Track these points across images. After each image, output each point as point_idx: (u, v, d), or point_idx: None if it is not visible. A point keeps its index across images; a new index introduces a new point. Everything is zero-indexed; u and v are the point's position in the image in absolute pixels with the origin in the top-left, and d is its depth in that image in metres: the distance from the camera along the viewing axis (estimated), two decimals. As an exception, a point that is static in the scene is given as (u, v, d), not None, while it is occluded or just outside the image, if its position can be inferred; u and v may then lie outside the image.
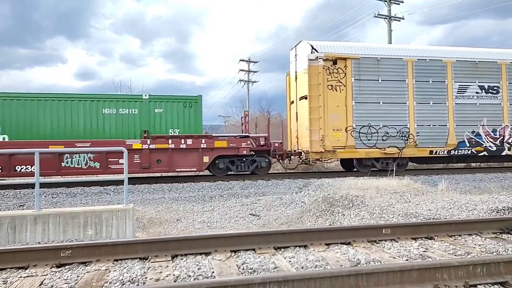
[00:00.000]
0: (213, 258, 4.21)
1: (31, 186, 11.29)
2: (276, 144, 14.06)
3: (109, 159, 12.10)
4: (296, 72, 14.71)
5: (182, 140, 12.64)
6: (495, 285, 3.38)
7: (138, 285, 3.50)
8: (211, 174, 13.71)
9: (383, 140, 13.55)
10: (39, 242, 5.36)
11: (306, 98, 13.40)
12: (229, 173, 13.33)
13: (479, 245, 4.69)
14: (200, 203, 9.88)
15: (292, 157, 14.61)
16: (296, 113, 14.65)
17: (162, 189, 11.66)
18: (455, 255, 4.29)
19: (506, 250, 4.48)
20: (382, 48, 14.30)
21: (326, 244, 4.70)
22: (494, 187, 11.38)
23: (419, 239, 4.97)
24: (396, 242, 4.84)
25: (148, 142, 12.40)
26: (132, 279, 3.59)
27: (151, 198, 10.40)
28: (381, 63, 13.50)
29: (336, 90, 13.29)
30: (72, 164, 11.99)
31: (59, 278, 3.70)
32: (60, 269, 3.98)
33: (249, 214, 8.64)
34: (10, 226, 5.41)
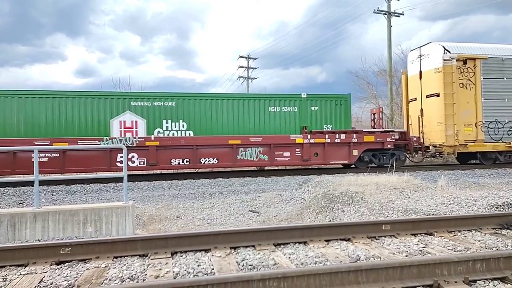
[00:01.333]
0: (212, 255, 4.20)
1: (31, 183, 11.32)
2: (415, 138, 15.01)
3: (275, 153, 13.53)
4: (420, 71, 15.79)
5: (337, 135, 13.90)
6: (495, 281, 3.38)
7: (137, 282, 3.50)
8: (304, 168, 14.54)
9: (508, 134, 15.14)
10: (38, 240, 5.36)
11: (436, 95, 14.85)
12: (371, 165, 14.23)
13: (479, 241, 4.69)
14: (200, 200, 9.88)
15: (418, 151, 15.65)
16: (422, 109, 15.69)
17: (161, 186, 11.66)
18: (455, 251, 4.29)
19: (506, 246, 4.49)
20: (506, 49, 15.57)
21: (326, 241, 4.70)
22: (494, 182, 11.39)
23: (419, 235, 4.97)
24: (396, 238, 4.85)
25: (309, 137, 13.72)
26: (131, 276, 3.59)
27: (151, 195, 10.40)
28: (505, 63, 15.06)
29: (466, 88, 14.86)
30: (245, 157, 13.39)
31: (58, 275, 3.70)
32: (59, 266, 3.98)
33: (249, 211, 8.64)
34: (9, 223, 5.41)
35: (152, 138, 12.93)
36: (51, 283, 3.49)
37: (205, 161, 13.16)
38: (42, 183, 10.99)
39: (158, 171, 14.69)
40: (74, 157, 12.21)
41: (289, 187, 11.27)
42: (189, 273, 3.67)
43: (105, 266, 3.91)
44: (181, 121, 13.80)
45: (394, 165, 12.50)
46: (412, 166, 15.55)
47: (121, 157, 12.29)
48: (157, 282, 3.22)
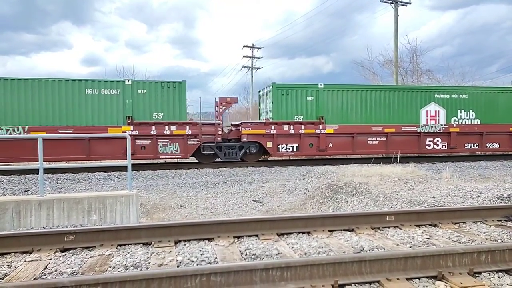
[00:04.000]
0: (216, 244, 4.21)
1: (35, 171, 11.39)
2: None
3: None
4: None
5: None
6: (500, 273, 3.35)
7: (141, 270, 3.51)
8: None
9: None
10: (43, 227, 5.40)
11: None
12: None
13: (484, 233, 4.66)
14: (203, 190, 9.91)
15: None
16: None
17: (165, 176, 11.70)
18: (460, 243, 4.26)
19: (511, 238, 4.45)
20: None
21: (330, 231, 4.68)
22: (499, 174, 11.32)
23: (423, 226, 4.94)
24: (400, 229, 4.82)
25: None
26: (135, 264, 3.60)
27: (154, 184, 10.44)
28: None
29: None
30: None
31: (63, 262, 3.72)
32: (64, 253, 4.00)
33: (252, 200, 8.66)
34: (15, 211, 5.44)
35: (454, 125, 15.64)
36: (56, 270, 3.51)
37: (490, 145, 15.82)
38: (46, 171, 11.06)
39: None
40: (394, 140, 15.10)
41: (292, 178, 11.27)
42: (193, 261, 3.67)
43: (109, 254, 3.93)
44: (471, 111, 15.87)
45: (399, 158, 12.42)
46: (416, 158, 15.48)
47: (430, 141, 15.54)
48: (160, 270, 3.23)
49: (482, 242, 4.27)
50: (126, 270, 3.50)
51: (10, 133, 12.02)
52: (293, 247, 4.10)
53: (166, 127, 13.15)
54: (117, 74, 31.80)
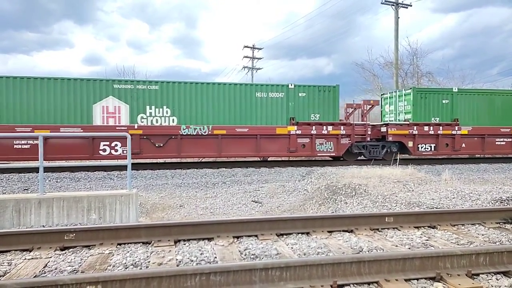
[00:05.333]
0: (215, 244, 4.22)
1: (35, 170, 11.41)
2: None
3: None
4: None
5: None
6: (498, 274, 3.37)
7: (141, 268, 3.52)
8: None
9: None
10: (43, 225, 5.41)
11: None
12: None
13: (482, 235, 4.68)
14: (203, 190, 9.92)
15: None
16: None
17: (165, 175, 11.71)
18: (458, 244, 4.28)
19: (510, 240, 4.47)
20: None
21: (329, 232, 4.70)
22: (499, 177, 11.34)
23: (422, 228, 4.96)
24: (399, 230, 4.84)
25: None
26: (135, 263, 3.62)
27: (154, 184, 10.45)
28: None
29: None
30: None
31: (63, 260, 3.73)
32: (64, 252, 4.02)
33: (252, 201, 8.67)
34: (14, 209, 5.45)
35: None
36: (56, 268, 3.52)
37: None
38: (46, 169, 11.07)
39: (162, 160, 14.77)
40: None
41: (292, 178, 11.29)
42: (192, 261, 3.69)
43: (109, 253, 3.94)
44: None
45: (398, 159, 12.45)
46: (416, 160, 15.51)
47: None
48: (160, 269, 3.24)
49: (480, 244, 4.29)
50: (126, 268, 3.52)
51: (198, 132, 13.19)
52: (292, 248, 4.12)
53: (324, 127, 14.23)
54: (118, 73, 31.80)
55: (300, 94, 14.22)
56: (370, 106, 15.43)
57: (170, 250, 4.01)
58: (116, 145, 12.62)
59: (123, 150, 12.59)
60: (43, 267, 3.56)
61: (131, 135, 11.67)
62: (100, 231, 4.31)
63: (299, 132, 13.95)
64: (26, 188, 9.62)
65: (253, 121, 13.84)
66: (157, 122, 13.20)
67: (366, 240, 4.38)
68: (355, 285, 3.12)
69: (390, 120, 16.23)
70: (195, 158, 14.61)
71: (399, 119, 16.03)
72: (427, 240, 4.42)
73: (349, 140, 14.40)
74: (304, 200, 8.57)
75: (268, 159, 15.18)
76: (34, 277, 3.33)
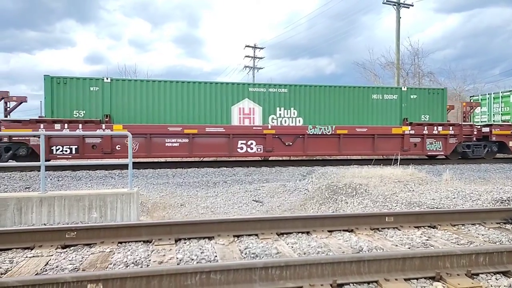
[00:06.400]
0: (216, 243, 4.24)
1: (37, 168, 11.45)
2: None
3: None
4: None
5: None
6: (497, 274, 3.38)
7: (142, 267, 3.54)
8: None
9: None
10: (44, 224, 5.43)
11: None
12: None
13: (482, 235, 4.68)
14: (204, 189, 9.94)
15: None
16: None
17: (166, 174, 11.73)
18: (458, 244, 4.29)
19: (510, 240, 4.48)
20: None
21: (329, 231, 4.71)
22: (499, 177, 11.33)
23: (422, 227, 4.97)
24: (399, 230, 4.85)
25: None
26: (136, 261, 3.63)
27: (155, 183, 10.47)
28: None
29: None
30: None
31: (64, 259, 3.75)
32: (65, 250, 4.04)
33: (253, 200, 8.68)
34: (16, 207, 5.48)
35: None
36: (57, 266, 3.54)
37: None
38: (47, 168, 11.10)
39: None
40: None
41: (293, 178, 11.30)
42: (193, 259, 3.70)
43: (110, 251, 3.96)
44: None
45: (399, 159, 12.46)
46: (416, 160, 15.50)
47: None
48: (161, 267, 3.26)
49: (480, 244, 4.30)
50: (127, 267, 3.53)
51: (322, 132, 14.10)
52: (292, 247, 4.13)
53: (435, 127, 15.05)
54: (119, 72, 31.86)
55: (411, 96, 15.20)
56: (472, 107, 16.63)
57: (170, 249, 4.02)
58: (251, 143, 13.73)
59: (257, 148, 13.82)
60: (44, 265, 3.58)
61: (265, 134, 13.56)
62: (101, 230, 4.33)
63: (412, 132, 14.77)
64: (28, 186, 9.65)
65: (369, 121, 14.86)
66: (285, 122, 14.43)
67: (366, 240, 4.39)
68: (354, 284, 3.13)
69: (482, 121, 17.38)
70: (318, 156, 15.74)
71: (494, 120, 17.13)
72: (427, 240, 4.43)
73: (456, 140, 15.22)
74: (305, 199, 8.58)
75: (269, 159, 15.22)
76: (36, 275, 3.35)
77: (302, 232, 4.67)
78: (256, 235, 4.53)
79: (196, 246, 4.12)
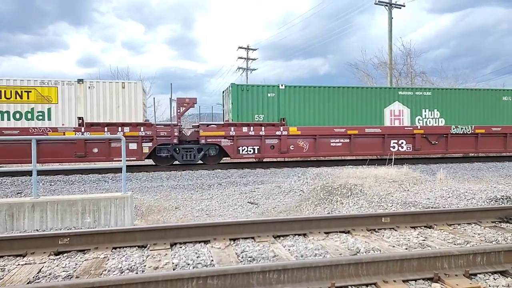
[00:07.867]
0: (212, 246, 4.19)
1: (29, 173, 11.30)
2: None
3: None
4: None
5: None
6: (495, 274, 3.37)
7: (137, 273, 3.48)
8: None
9: None
10: (37, 230, 5.34)
11: None
12: None
13: (479, 234, 4.69)
14: (198, 191, 9.87)
15: None
16: None
17: (160, 177, 11.64)
18: (455, 244, 4.29)
19: (506, 239, 4.49)
20: None
21: (325, 233, 4.68)
22: (492, 176, 11.42)
23: (419, 228, 4.96)
24: (396, 230, 4.84)
25: None
26: (131, 267, 3.57)
27: (149, 186, 10.38)
28: None
29: None
30: None
31: (57, 266, 3.68)
32: (58, 257, 3.96)
33: (248, 202, 8.64)
34: (7, 213, 5.38)
35: None
36: (50, 274, 3.46)
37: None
38: (40, 173, 10.96)
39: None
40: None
41: (287, 179, 11.26)
42: (189, 264, 3.65)
43: (104, 257, 3.89)
44: None
45: (393, 159, 12.48)
46: (410, 159, 15.57)
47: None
48: (156, 273, 3.20)
49: (477, 243, 4.30)
50: (122, 273, 3.47)
51: (464, 131, 15.53)
52: (289, 250, 4.10)
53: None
54: (112, 75, 31.61)
55: None
56: None
57: (166, 254, 3.96)
58: (402, 142, 15.23)
59: (407, 147, 15.27)
60: (37, 273, 3.50)
61: (414, 134, 15.26)
62: (95, 235, 4.26)
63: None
64: (19, 191, 9.51)
65: (500, 121, 16.16)
66: (429, 123, 15.81)
67: (363, 241, 4.37)
68: (353, 286, 3.11)
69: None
70: (460, 154, 16.92)
71: None
72: (424, 240, 4.42)
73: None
74: (300, 201, 8.55)
75: (264, 160, 15.18)
76: (28, 283, 3.27)
77: (299, 234, 4.64)
78: (253, 238, 4.49)
79: (192, 251, 4.07)
